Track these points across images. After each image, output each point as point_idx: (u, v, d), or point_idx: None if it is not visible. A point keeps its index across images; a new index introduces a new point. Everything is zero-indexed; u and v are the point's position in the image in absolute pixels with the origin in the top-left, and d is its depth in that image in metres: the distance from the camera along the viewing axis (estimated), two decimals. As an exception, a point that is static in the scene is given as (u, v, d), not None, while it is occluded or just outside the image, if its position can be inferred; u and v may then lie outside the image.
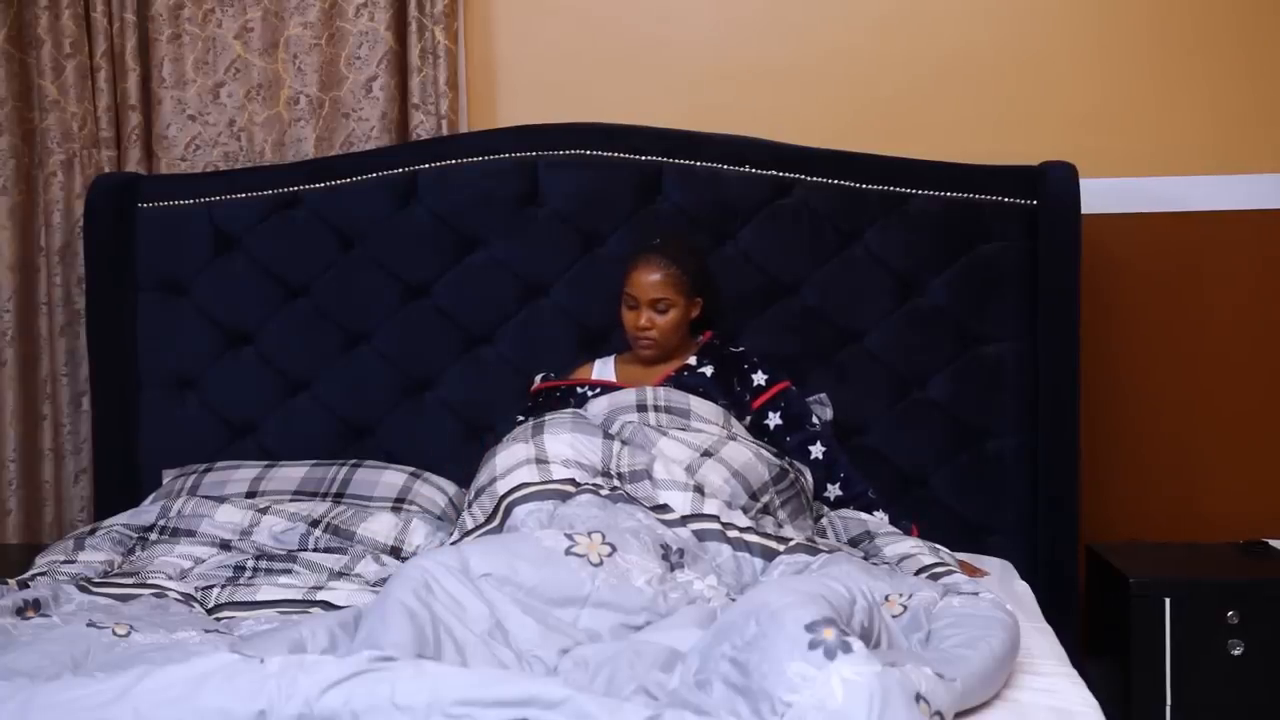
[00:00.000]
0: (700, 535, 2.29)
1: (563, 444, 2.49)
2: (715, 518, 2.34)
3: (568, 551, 2.02)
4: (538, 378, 2.95)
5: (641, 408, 2.69)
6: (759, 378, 2.82)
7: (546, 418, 2.61)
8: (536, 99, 3.29)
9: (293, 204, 3.15)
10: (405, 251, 3.11)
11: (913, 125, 3.21)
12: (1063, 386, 2.88)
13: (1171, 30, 3.19)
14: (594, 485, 2.37)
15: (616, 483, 2.42)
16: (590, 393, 2.82)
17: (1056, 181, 2.90)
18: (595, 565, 2.01)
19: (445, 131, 3.21)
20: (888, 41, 3.24)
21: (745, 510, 2.44)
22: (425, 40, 3.21)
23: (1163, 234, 3.17)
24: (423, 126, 3.22)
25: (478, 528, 2.41)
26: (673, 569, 2.11)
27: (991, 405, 2.96)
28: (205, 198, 3.17)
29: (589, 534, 2.07)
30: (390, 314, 3.12)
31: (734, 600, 1.96)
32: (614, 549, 2.05)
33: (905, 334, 3.00)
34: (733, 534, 2.31)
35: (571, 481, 2.39)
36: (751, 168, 3.03)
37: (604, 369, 2.92)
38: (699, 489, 2.42)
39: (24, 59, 3.29)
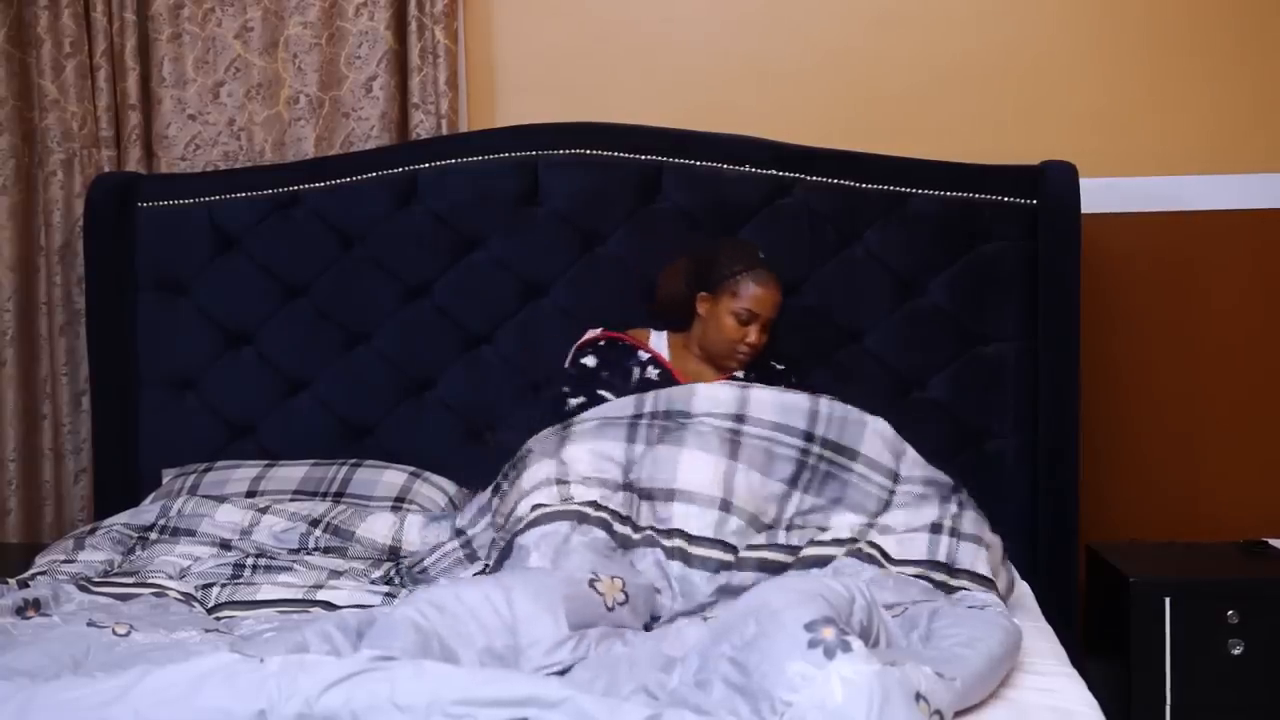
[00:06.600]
0: (708, 564, 2.31)
1: (584, 451, 2.47)
2: (733, 548, 2.34)
3: (591, 584, 2.05)
4: (595, 331, 2.88)
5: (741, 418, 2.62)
6: None
7: (575, 427, 2.57)
8: (536, 99, 3.29)
9: (293, 204, 3.15)
10: (405, 251, 3.11)
11: (913, 125, 3.21)
12: (1063, 386, 2.88)
13: (1170, 31, 3.20)
14: (607, 516, 2.35)
15: (635, 499, 2.41)
16: (643, 358, 2.79)
17: (1056, 181, 2.90)
18: (612, 608, 2.04)
19: (445, 131, 3.21)
20: (888, 41, 3.24)
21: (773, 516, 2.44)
22: (425, 40, 3.21)
23: (1162, 233, 3.18)
24: (422, 126, 3.22)
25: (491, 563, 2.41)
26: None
27: (991, 405, 2.96)
28: (205, 197, 3.17)
29: (611, 577, 2.09)
30: (390, 314, 3.12)
31: None
32: (628, 599, 2.06)
33: (905, 334, 3.00)
34: (746, 554, 2.31)
35: (593, 504, 2.37)
36: (752, 167, 3.03)
37: (659, 342, 2.87)
38: (726, 505, 2.38)
39: (24, 58, 3.29)
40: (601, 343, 2.85)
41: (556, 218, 3.07)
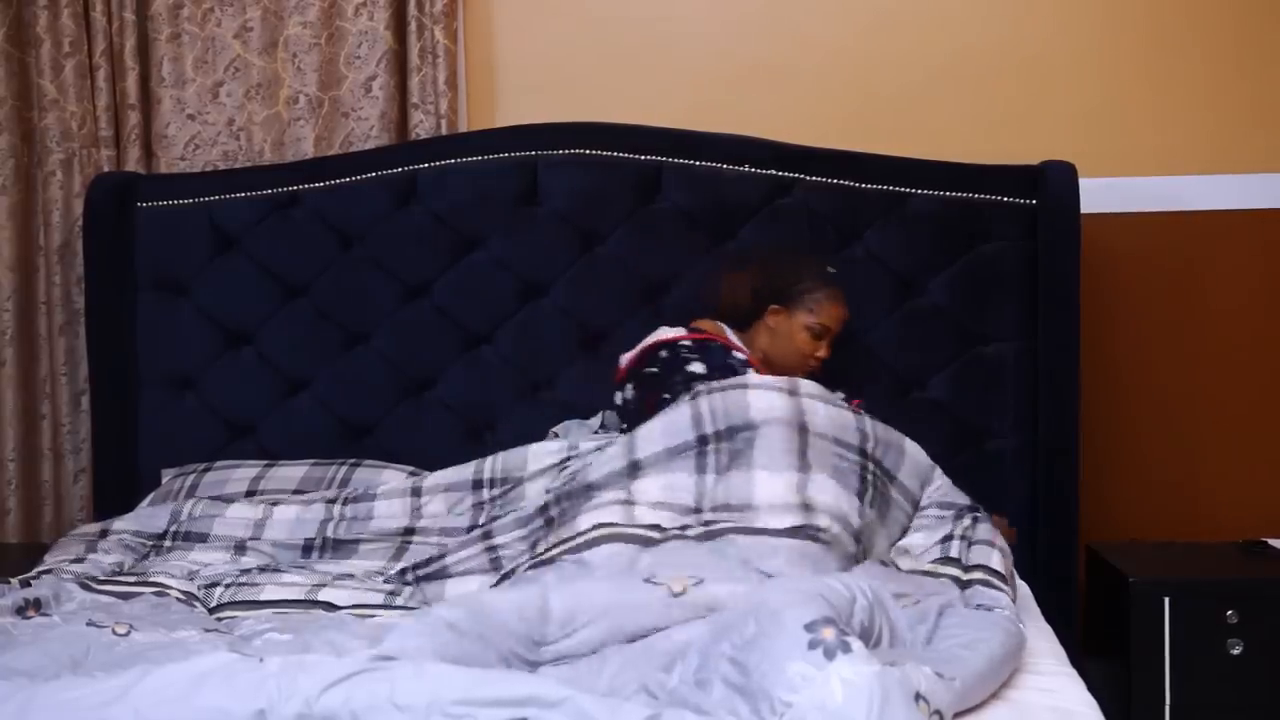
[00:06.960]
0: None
1: (654, 485, 2.41)
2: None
3: (647, 580, 1.99)
4: (674, 331, 2.78)
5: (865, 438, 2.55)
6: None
7: (642, 457, 2.47)
8: (536, 99, 3.29)
9: (292, 204, 3.15)
10: (405, 251, 3.11)
11: (913, 125, 3.21)
12: (1063, 386, 2.89)
13: (1169, 31, 3.20)
14: (679, 530, 2.29)
15: (710, 516, 2.34)
16: (740, 358, 2.70)
17: (1056, 181, 2.90)
18: (677, 594, 1.95)
19: (445, 131, 3.21)
20: (888, 41, 3.24)
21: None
22: (425, 40, 3.21)
23: (1162, 233, 3.18)
24: (422, 126, 3.22)
25: (551, 550, 2.33)
26: None
27: (991, 405, 2.96)
28: (205, 197, 3.17)
29: (675, 576, 2.01)
30: (390, 314, 3.12)
31: None
32: (701, 582, 1.98)
33: (905, 334, 3.00)
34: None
35: (657, 527, 2.31)
36: (751, 167, 3.03)
37: (738, 342, 2.79)
38: (806, 508, 2.32)
39: (23, 58, 3.29)
40: (687, 343, 2.74)
41: (556, 218, 3.07)
